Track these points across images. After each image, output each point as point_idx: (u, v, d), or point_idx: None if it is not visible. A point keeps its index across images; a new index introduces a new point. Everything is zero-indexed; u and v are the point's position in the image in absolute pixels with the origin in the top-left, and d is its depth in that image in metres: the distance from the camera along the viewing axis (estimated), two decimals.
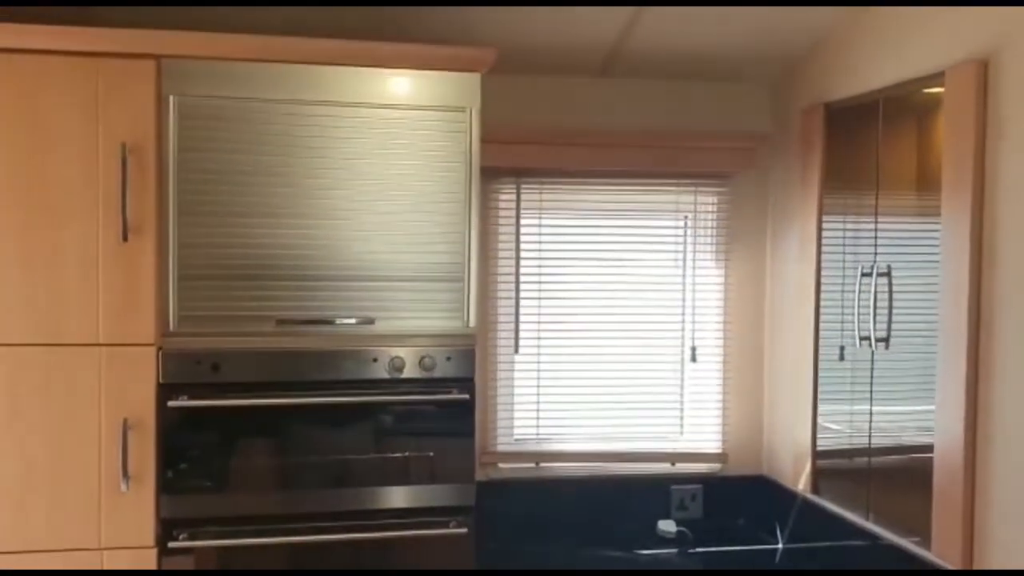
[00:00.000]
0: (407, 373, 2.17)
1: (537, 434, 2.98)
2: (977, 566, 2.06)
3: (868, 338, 2.45)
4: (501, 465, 2.95)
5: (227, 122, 2.09)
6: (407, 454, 2.19)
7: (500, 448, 2.95)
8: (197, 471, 2.09)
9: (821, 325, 2.74)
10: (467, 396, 2.18)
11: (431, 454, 2.20)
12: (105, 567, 2.04)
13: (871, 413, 2.49)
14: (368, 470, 2.16)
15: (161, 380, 2.06)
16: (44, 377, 2.01)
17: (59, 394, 2.02)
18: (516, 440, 2.97)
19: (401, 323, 2.17)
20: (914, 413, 2.35)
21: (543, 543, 2.86)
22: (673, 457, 3.03)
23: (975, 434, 2.07)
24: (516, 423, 2.97)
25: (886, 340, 2.40)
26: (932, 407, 2.19)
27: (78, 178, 2.02)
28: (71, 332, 2.02)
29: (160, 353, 2.06)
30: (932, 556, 2.20)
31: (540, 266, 2.94)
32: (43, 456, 2.01)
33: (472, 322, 2.20)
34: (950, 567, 2.14)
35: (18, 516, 2.01)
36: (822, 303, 2.73)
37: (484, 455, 2.91)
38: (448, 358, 2.19)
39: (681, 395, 3.05)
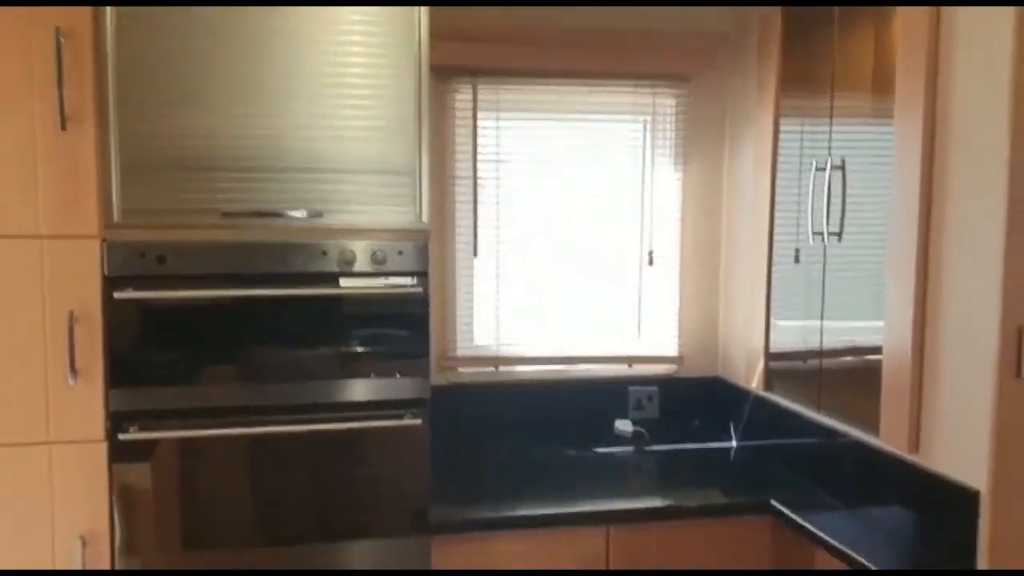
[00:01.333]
0: (358, 267, 2.15)
1: (496, 338, 2.99)
2: (922, 453, 2.10)
3: (821, 233, 2.46)
4: (461, 369, 2.96)
5: (167, 8, 2.02)
6: (361, 348, 2.18)
7: (460, 353, 2.96)
8: (146, 364, 2.07)
9: (776, 227, 2.75)
10: (420, 290, 2.17)
11: (385, 348, 2.19)
12: (53, 462, 2.02)
13: (823, 312, 2.51)
14: (322, 363, 2.15)
15: (106, 273, 2.03)
16: None
17: (0, 287, 1.98)
18: (476, 345, 2.98)
19: (351, 216, 2.14)
20: (865, 312, 2.37)
21: (502, 442, 2.90)
22: (630, 359, 3.05)
23: (923, 329, 2.09)
24: (475, 328, 2.97)
25: (839, 234, 2.41)
26: (883, 304, 2.21)
27: (11, 66, 1.94)
28: (10, 224, 1.97)
29: (104, 245, 2.02)
30: (880, 443, 2.25)
31: (498, 169, 2.91)
32: None
33: (425, 217, 2.18)
34: (896, 452, 2.18)
35: None
36: (777, 205, 2.73)
37: (444, 360, 2.91)
38: (400, 252, 2.16)
39: (639, 298, 3.06)
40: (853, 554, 2.06)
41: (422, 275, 2.19)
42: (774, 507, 2.38)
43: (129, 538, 2.08)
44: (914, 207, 2.08)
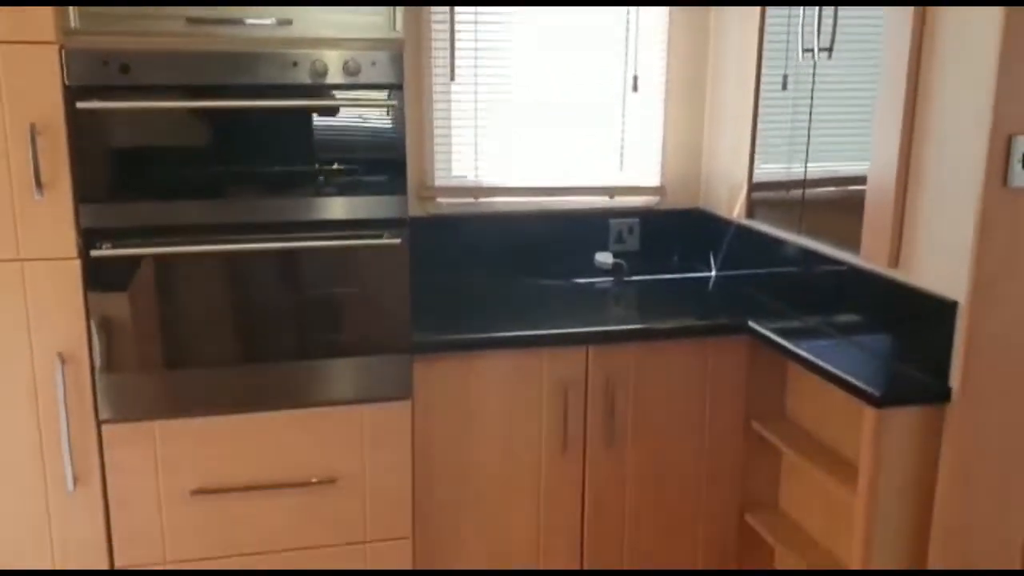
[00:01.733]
0: (331, 79, 2.06)
1: (476, 169, 2.93)
2: (902, 268, 2.11)
3: (812, 50, 2.39)
4: (440, 200, 2.91)
5: None
6: (337, 166, 2.12)
7: (439, 183, 2.90)
8: (116, 179, 2.01)
9: (765, 51, 2.66)
10: (396, 103, 2.10)
11: (362, 166, 2.13)
12: (26, 279, 1.99)
13: (809, 138, 2.46)
14: (297, 181, 2.10)
15: (67, 82, 1.93)
16: None
17: None
18: (454, 176, 2.92)
19: (321, 25, 2.04)
20: (852, 139, 2.33)
21: (481, 274, 2.89)
22: (612, 191, 3.01)
23: (911, 143, 2.05)
24: (454, 158, 2.90)
25: (829, 49, 2.33)
26: (870, 128, 2.17)
27: None
28: None
29: (63, 52, 1.92)
30: (860, 261, 2.25)
31: None
32: None
33: (399, 25, 2.08)
34: (876, 269, 2.19)
35: None
36: (767, 27, 2.64)
37: (423, 190, 2.86)
38: (373, 63, 2.08)
39: (622, 127, 2.99)
40: (826, 366, 2.09)
41: (397, 88, 2.11)
42: (751, 327, 2.40)
43: (108, 357, 2.07)
44: (907, 17, 2.01)
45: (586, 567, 2.50)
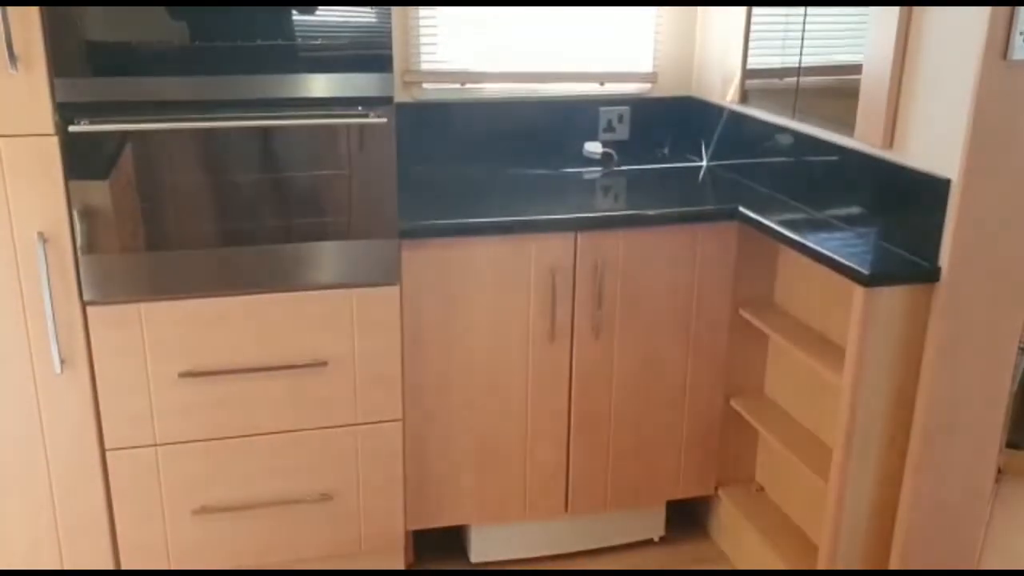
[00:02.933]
0: None
1: (463, 54, 2.85)
2: (896, 149, 2.08)
3: None
4: (425, 86, 2.85)
5: None
6: (320, 42, 2.06)
7: (424, 67, 2.83)
8: (94, 52, 1.94)
9: None
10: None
11: (346, 40, 2.07)
12: (3, 156, 1.94)
13: (804, 24, 2.40)
14: (279, 56, 2.04)
15: None
16: None
17: None
18: (441, 60, 2.85)
19: None
20: (848, 22, 2.27)
21: (468, 162, 2.85)
22: (603, 77, 2.95)
23: (909, 22, 2.00)
24: (440, 41, 2.82)
25: None
26: (867, 13, 2.12)
27: None
28: None
29: None
30: (854, 143, 2.22)
31: None
32: None
33: None
34: (870, 150, 2.16)
35: None
36: None
37: (407, 74, 2.80)
38: None
39: (614, 11, 2.91)
40: (816, 247, 2.08)
41: None
42: (741, 213, 2.38)
43: (90, 237, 2.03)
44: None
45: (572, 451, 2.53)
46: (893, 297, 1.97)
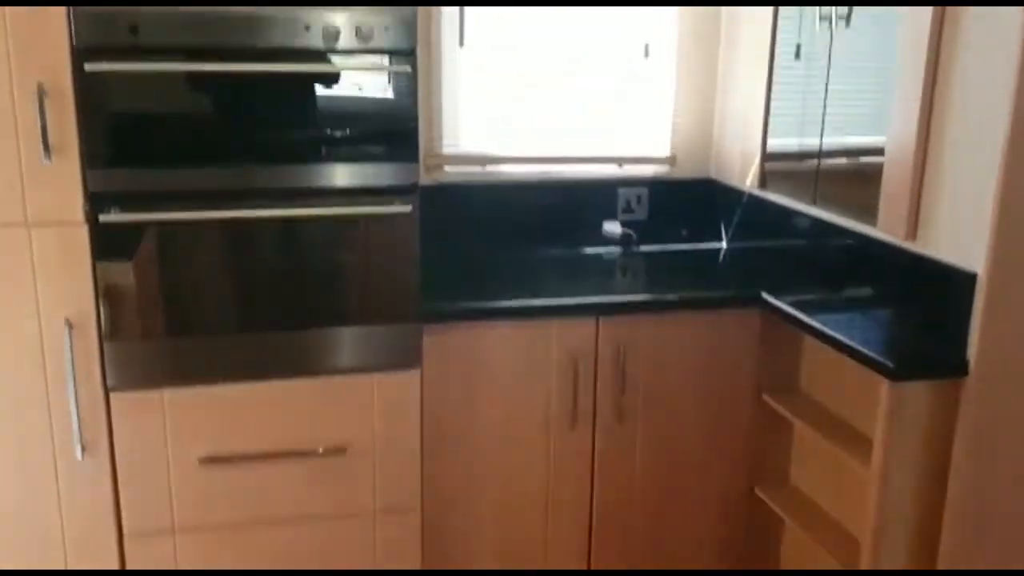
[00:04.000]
0: (342, 43, 2.02)
1: (485, 137, 2.89)
2: (920, 240, 2.09)
3: (829, 18, 2.35)
4: (447, 168, 2.88)
5: None
6: (347, 131, 2.09)
7: (446, 151, 2.87)
8: (125, 143, 1.97)
9: (780, 19, 2.62)
10: (408, 68, 2.06)
11: (372, 132, 2.10)
12: (34, 245, 1.96)
13: (825, 108, 2.43)
14: (307, 146, 2.07)
15: (75, 43, 1.89)
16: None
17: None
18: (463, 143, 2.89)
19: None
20: (869, 110, 2.30)
21: (489, 243, 2.86)
22: (621, 160, 2.98)
23: (931, 111, 2.02)
24: (462, 124, 2.87)
25: (847, 18, 2.29)
26: (888, 98, 2.14)
27: None
28: None
29: (70, 12, 1.88)
30: (876, 233, 2.22)
31: None
32: None
33: None
34: (893, 240, 2.16)
35: None
36: None
37: (430, 158, 2.83)
38: (386, 28, 2.04)
39: (632, 95, 2.95)
40: (841, 337, 2.07)
41: (410, 54, 2.07)
42: (763, 299, 2.38)
43: (115, 324, 2.04)
44: None
45: (594, 539, 2.49)
46: (920, 391, 1.95)
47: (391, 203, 2.12)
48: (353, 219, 2.12)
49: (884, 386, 1.94)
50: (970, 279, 1.92)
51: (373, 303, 2.18)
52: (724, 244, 2.95)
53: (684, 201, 3.03)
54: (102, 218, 1.97)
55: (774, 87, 2.66)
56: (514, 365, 2.34)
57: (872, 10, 2.24)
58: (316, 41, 2.01)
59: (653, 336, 2.39)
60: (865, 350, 1.98)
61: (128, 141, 1.98)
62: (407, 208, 2.12)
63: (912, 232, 2.10)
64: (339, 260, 2.15)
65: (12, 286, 1.97)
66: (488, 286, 2.46)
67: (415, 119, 2.10)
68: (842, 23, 2.31)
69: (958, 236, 1.97)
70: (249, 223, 2.07)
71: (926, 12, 1.97)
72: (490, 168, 2.91)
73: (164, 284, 2.06)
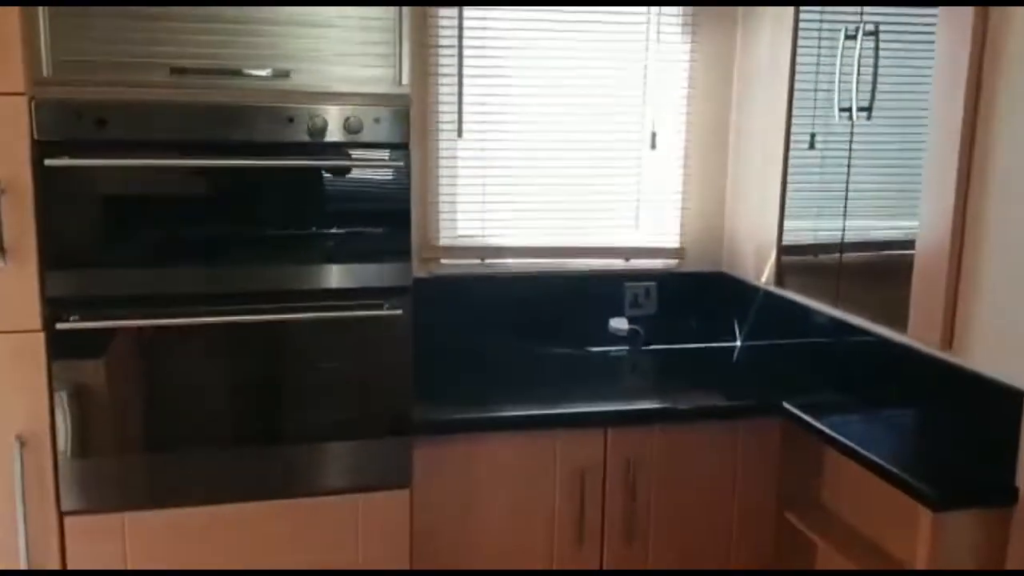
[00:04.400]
0: (330, 137, 1.88)
1: (483, 228, 2.74)
2: (956, 350, 1.90)
3: (849, 109, 2.21)
4: (444, 261, 2.72)
5: None
6: (334, 230, 1.93)
7: (443, 243, 2.71)
8: (87, 244, 1.81)
9: (795, 109, 2.49)
10: (401, 163, 1.91)
11: (361, 230, 1.94)
12: None
13: (846, 201, 2.28)
14: (289, 247, 1.91)
15: (36, 136, 1.75)
16: None
17: None
18: (460, 235, 2.73)
19: (321, 78, 1.86)
20: (892, 201, 2.15)
21: (488, 340, 2.68)
22: (628, 253, 2.82)
23: (965, 214, 1.86)
24: (460, 215, 2.72)
25: (868, 109, 2.16)
26: (915, 192, 1.98)
27: None
28: None
29: (32, 104, 1.74)
30: (907, 340, 2.04)
31: (484, 35, 2.61)
32: None
33: (405, 78, 1.90)
34: (926, 349, 1.98)
35: None
36: (796, 81, 2.47)
37: (426, 250, 2.67)
38: (377, 120, 1.90)
39: (639, 186, 2.81)
40: (875, 459, 1.86)
41: (402, 147, 1.92)
42: (785, 409, 2.18)
43: (75, 440, 1.85)
44: (961, 76, 1.83)
45: None
46: (965, 522, 1.75)
47: (380, 306, 1.95)
48: (338, 323, 1.95)
49: (926, 516, 1.74)
50: (1016, 396, 1.74)
51: (360, 415, 2.00)
52: (738, 343, 2.77)
53: (695, 296, 2.85)
54: (59, 326, 1.79)
55: (789, 179, 2.51)
56: (515, 479, 2.14)
57: (894, 101, 2.10)
58: (301, 134, 1.86)
59: (666, 447, 2.20)
60: (905, 476, 1.78)
61: (93, 240, 1.82)
62: (398, 312, 1.95)
63: (948, 340, 1.92)
64: (322, 368, 1.97)
65: None
66: (485, 390, 2.28)
67: (407, 217, 1.95)
68: (863, 116, 2.17)
69: (1002, 346, 1.79)
70: (221, 329, 1.89)
71: (959, 91, 1.82)
72: (489, 261, 2.74)
73: (129, 396, 1.88)
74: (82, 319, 1.81)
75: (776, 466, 2.27)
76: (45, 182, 1.76)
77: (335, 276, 1.93)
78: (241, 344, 1.92)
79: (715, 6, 2.73)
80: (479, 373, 2.42)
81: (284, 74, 1.84)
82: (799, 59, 2.44)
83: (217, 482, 1.92)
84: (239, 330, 1.90)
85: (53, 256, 1.79)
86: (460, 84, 2.60)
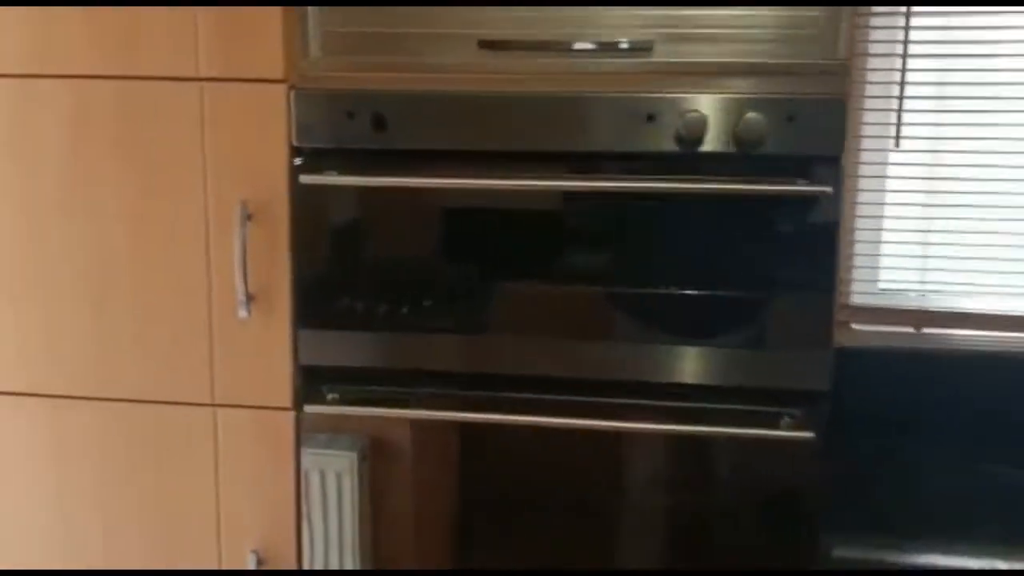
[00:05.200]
0: (708, 144, 1.20)
1: (920, 282, 1.98)
2: None
3: None
4: (855, 326, 1.98)
5: None
6: (703, 292, 1.26)
7: (856, 301, 1.97)
8: (358, 293, 1.30)
9: None
10: (829, 188, 1.18)
11: (750, 297, 1.25)
12: (219, 436, 1.34)
13: None
14: (635, 315, 1.28)
15: (294, 141, 1.26)
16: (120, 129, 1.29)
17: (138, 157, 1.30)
18: (883, 290, 1.99)
19: (698, 50, 1.19)
20: None
21: (923, 446, 1.88)
22: None
23: None
24: (885, 261, 1.97)
25: None
26: None
27: None
28: (151, 63, 1.27)
29: (292, 95, 1.25)
30: None
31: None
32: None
33: (841, 44, 1.18)
34: None
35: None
36: None
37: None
38: (790, 119, 1.18)
39: None
40: None
41: (830, 163, 1.20)
42: None
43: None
44: None
45: None
46: None
47: (776, 421, 1.23)
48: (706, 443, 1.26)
49: None
50: None
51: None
52: None
53: None
54: (308, 408, 1.30)
55: None
56: None
57: None
58: (663, 141, 1.20)
59: None
60: None
61: (366, 290, 1.30)
62: (807, 435, 1.22)
63: None
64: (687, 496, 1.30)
65: (188, 495, 1.36)
66: (917, 525, 1.51)
67: (831, 283, 1.23)
68: None
69: None
70: (527, 430, 1.29)
71: None
72: (927, 331, 1.94)
73: (425, 509, 1.35)
74: (341, 401, 1.30)
75: None
76: (302, 205, 1.27)
77: (704, 366, 1.28)
78: (581, 452, 1.32)
79: None
80: (906, 499, 1.68)
81: (644, 48, 1.20)
82: None
83: None
84: (542, 439, 1.30)
85: (308, 307, 1.30)
86: (904, 67, 1.82)
